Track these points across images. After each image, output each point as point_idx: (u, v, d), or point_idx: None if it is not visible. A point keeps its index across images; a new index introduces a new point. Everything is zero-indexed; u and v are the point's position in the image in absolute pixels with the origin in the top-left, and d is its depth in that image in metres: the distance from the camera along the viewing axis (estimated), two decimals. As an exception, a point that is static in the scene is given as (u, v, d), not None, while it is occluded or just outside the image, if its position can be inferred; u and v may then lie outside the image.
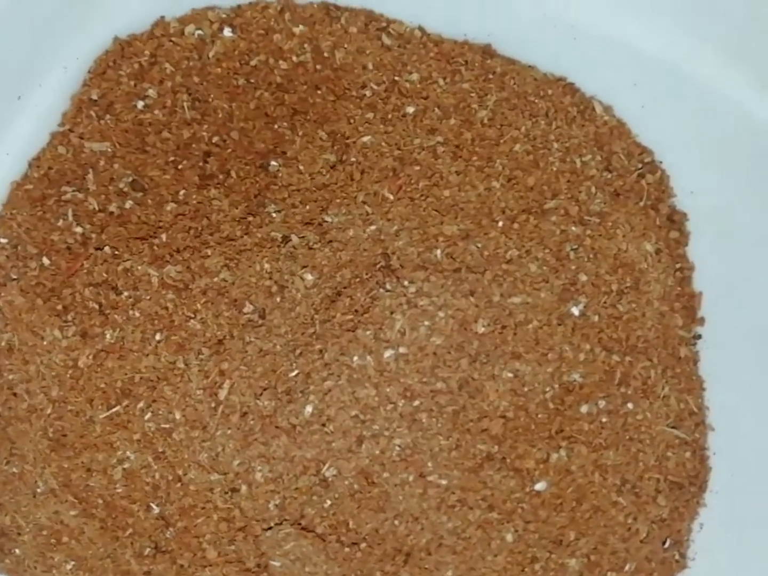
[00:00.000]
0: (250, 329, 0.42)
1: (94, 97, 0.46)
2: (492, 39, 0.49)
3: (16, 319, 0.43)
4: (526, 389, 0.43)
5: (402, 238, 0.43)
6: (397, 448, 0.41)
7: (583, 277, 0.45)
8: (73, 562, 0.43)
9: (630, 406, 0.45)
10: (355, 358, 0.41)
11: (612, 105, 0.50)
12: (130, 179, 0.46)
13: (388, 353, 0.41)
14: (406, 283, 0.41)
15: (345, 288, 0.42)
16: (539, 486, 0.43)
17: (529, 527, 0.42)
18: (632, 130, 0.50)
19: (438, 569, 0.41)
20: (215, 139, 0.47)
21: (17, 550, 0.44)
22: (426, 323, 0.41)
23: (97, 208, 0.46)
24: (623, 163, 0.49)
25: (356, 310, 0.42)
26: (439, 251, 0.42)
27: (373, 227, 0.43)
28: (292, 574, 0.41)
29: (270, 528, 0.41)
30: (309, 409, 0.41)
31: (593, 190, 0.47)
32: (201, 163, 0.47)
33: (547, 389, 0.44)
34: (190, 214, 0.46)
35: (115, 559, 0.43)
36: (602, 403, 0.44)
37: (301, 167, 0.46)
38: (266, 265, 0.42)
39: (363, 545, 0.41)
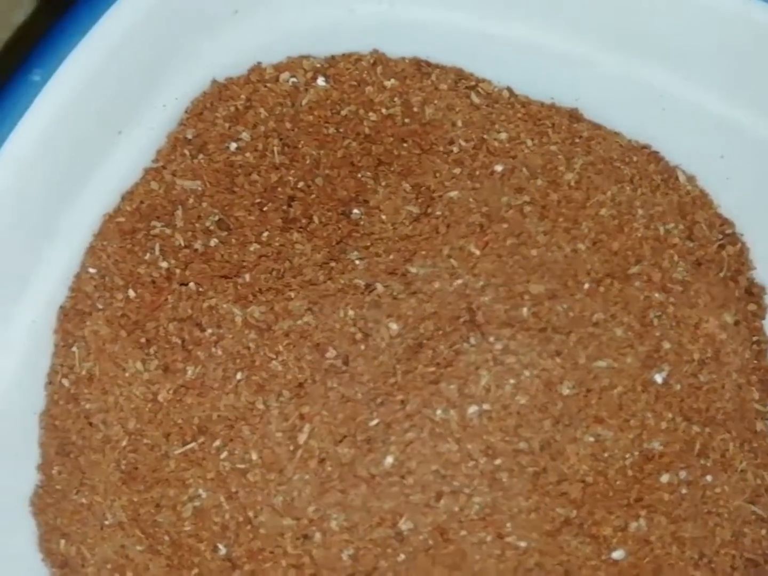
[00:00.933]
0: (332, 375, 0.41)
1: (189, 137, 0.46)
2: (579, 104, 0.50)
3: (100, 349, 0.43)
4: (606, 455, 0.42)
5: (488, 294, 0.42)
6: (476, 506, 0.40)
7: (667, 345, 0.45)
8: (136, 600, 0.42)
9: (709, 478, 0.44)
10: (438, 411, 0.40)
11: (696, 175, 0.50)
12: (217, 218, 0.47)
13: (471, 409, 0.40)
14: (491, 339, 0.41)
15: (428, 340, 0.42)
16: (616, 554, 0.42)
17: (605, 597, 0.41)
18: (714, 201, 0.50)
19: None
20: (300, 184, 0.47)
21: (80, 582, 0.43)
22: (511, 381, 0.40)
23: (183, 244, 0.46)
24: (705, 233, 0.49)
25: (439, 363, 0.41)
26: (525, 309, 0.42)
27: (459, 281, 0.43)
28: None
29: (342, 578, 0.40)
30: (389, 460, 0.40)
31: (675, 258, 0.47)
32: (285, 207, 0.47)
33: (627, 456, 0.43)
34: (272, 256, 0.46)
35: (178, 600, 0.42)
36: (683, 474, 0.43)
37: (384, 217, 0.46)
38: (350, 312, 0.42)
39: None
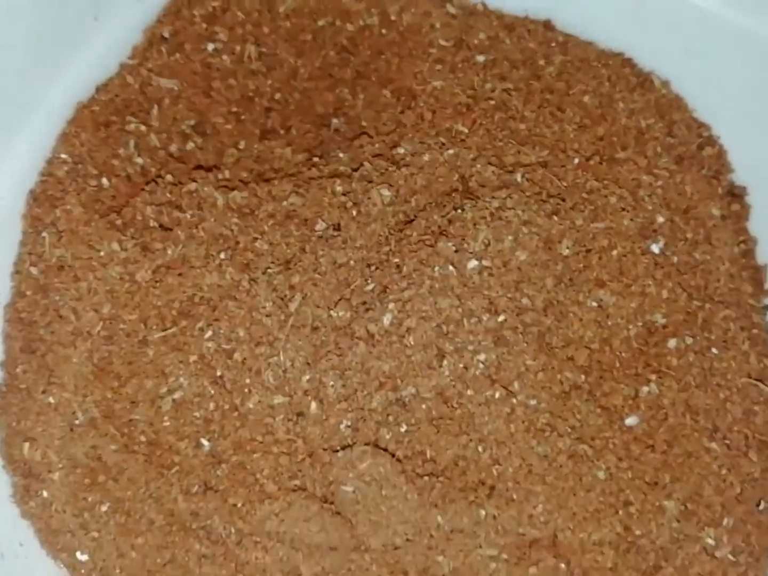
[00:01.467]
0: (323, 243, 0.39)
1: (166, 35, 0.46)
2: (551, 15, 0.50)
3: (72, 231, 0.40)
4: (610, 323, 0.40)
5: (479, 163, 0.41)
6: (481, 365, 0.38)
7: (660, 219, 0.44)
8: (108, 503, 0.38)
9: (714, 351, 0.42)
10: (436, 268, 0.38)
11: (670, 80, 0.50)
12: (193, 122, 0.45)
13: (471, 264, 0.38)
14: (487, 199, 0.40)
15: (421, 211, 0.40)
16: (630, 421, 0.39)
17: (621, 465, 0.38)
18: (690, 105, 0.50)
19: (527, 500, 0.37)
20: (278, 96, 0.47)
21: (45, 492, 0.39)
22: (510, 237, 0.39)
23: (158, 145, 0.44)
24: (684, 132, 0.49)
25: (433, 231, 0.40)
26: (519, 175, 0.41)
27: (450, 152, 0.42)
28: (366, 500, 0.36)
29: (342, 449, 0.37)
30: (388, 318, 0.37)
31: (659, 149, 0.47)
32: (263, 119, 0.46)
33: (631, 327, 0.41)
34: (252, 159, 0.44)
35: (158, 498, 0.38)
36: (689, 340, 0.41)
37: (365, 123, 0.45)
38: (338, 188, 0.41)
39: (442, 478, 0.37)
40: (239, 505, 0.37)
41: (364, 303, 0.38)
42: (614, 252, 0.41)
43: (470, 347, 0.38)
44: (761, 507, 0.42)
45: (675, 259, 0.43)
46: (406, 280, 0.38)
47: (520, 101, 0.44)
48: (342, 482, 0.36)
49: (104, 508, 0.38)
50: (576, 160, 0.43)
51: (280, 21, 0.48)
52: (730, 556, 0.40)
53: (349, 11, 0.49)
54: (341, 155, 0.44)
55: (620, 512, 0.38)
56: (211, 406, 0.38)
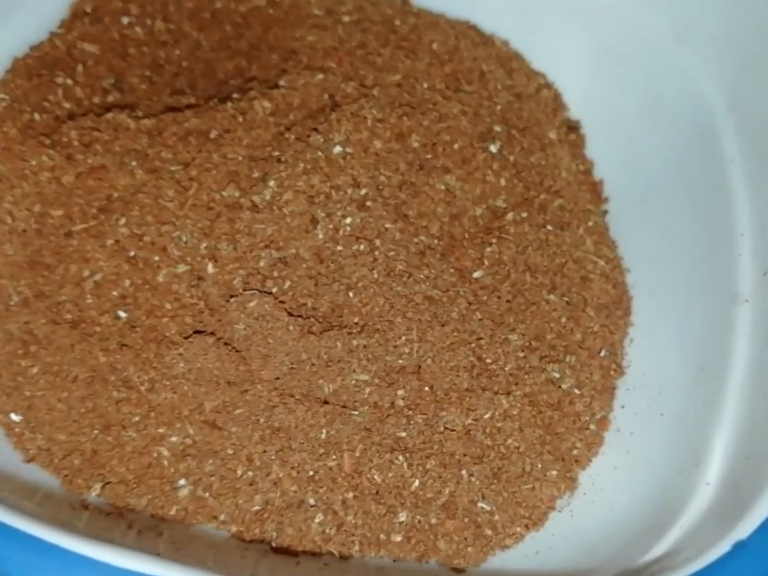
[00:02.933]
0: (216, 144, 0.47)
1: (88, 10, 0.55)
2: (409, -3, 0.61)
3: (8, 149, 0.47)
4: (458, 204, 0.49)
5: (344, 84, 0.50)
6: (348, 227, 0.45)
7: (497, 128, 0.53)
8: (39, 367, 0.44)
9: (550, 227, 0.51)
10: (308, 155, 0.46)
11: (509, 40, 0.61)
12: (112, 80, 0.54)
13: (336, 149, 0.46)
14: (346, 108, 0.48)
15: (297, 122, 0.49)
16: (477, 274, 0.47)
17: (471, 308, 0.46)
18: (527, 60, 0.61)
19: (392, 331, 0.44)
20: (184, 64, 0.56)
21: (-18, 363, 0.44)
22: (366, 130, 0.47)
23: (82, 97, 0.52)
24: (522, 78, 0.59)
25: (308, 135, 0.48)
26: (376, 90, 0.50)
27: (320, 76, 0.50)
28: (256, 336, 0.43)
29: (235, 296, 0.43)
30: (269, 192, 0.45)
31: (499, 87, 0.57)
32: (172, 82, 0.55)
33: (477, 208, 0.49)
34: (162, 107, 0.53)
35: (81, 359, 0.44)
36: (524, 214, 0.50)
37: (257, 82, 0.54)
38: (229, 104, 0.49)
39: (321, 319, 0.44)
40: (151, 356, 0.43)
41: (252, 186, 0.46)
42: (456, 146, 0.50)
43: (338, 213, 0.45)
44: (602, 354, 0.49)
45: (511, 158, 0.52)
46: (283, 164, 0.46)
47: (378, 44, 0.54)
48: (235, 322, 0.43)
49: (35, 371, 0.44)
50: (425, 85, 0.52)
51: (183, 1, 0.57)
52: (576, 390, 0.47)
53: (241, -6, 0.59)
54: (234, 95, 0.52)
55: (472, 344, 0.45)
56: (127, 282, 0.45)
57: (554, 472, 0.45)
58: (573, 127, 0.59)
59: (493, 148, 0.51)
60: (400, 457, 0.43)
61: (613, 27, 0.57)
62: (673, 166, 0.54)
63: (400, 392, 0.43)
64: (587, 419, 0.46)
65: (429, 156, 0.49)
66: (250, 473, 0.42)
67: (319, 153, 0.46)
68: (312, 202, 0.45)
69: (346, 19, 0.56)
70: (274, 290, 0.44)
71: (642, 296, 0.52)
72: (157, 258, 0.45)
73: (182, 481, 0.43)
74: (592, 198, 0.56)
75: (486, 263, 0.47)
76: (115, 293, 0.45)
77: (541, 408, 0.45)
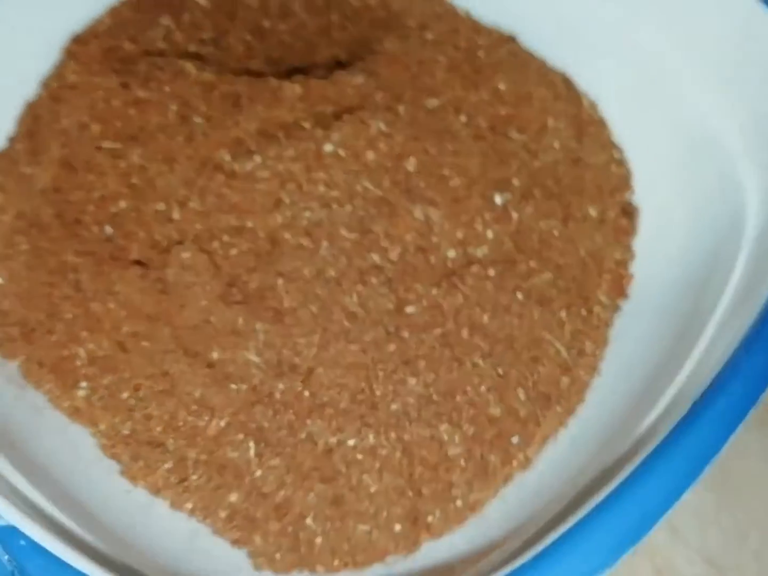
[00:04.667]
0: (236, 110, 0.51)
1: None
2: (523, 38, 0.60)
3: (87, 63, 0.55)
4: (432, 238, 0.48)
5: (380, 92, 0.51)
6: (306, 220, 0.47)
7: (516, 182, 0.51)
8: (28, 245, 0.51)
9: (520, 296, 0.49)
10: (302, 144, 0.48)
11: (598, 104, 0.58)
12: (213, 35, 0.59)
13: (328, 147, 0.48)
14: (364, 111, 0.50)
15: (320, 113, 0.51)
16: (409, 309, 0.46)
17: (387, 338, 0.45)
18: (610, 129, 0.57)
19: (298, 327, 0.45)
20: (286, 39, 0.60)
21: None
22: (365, 139, 0.48)
23: (179, 41, 0.58)
24: (593, 146, 0.56)
25: (314, 127, 0.50)
26: (402, 107, 0.51)
27: (360, 79, 0.52)
28: (178, 284, 0.46)
29: (181, 243, 0.47)
30: (250, 165, 0.48)
31: (556, 146, 0.54)
32: (269, 51, 0.59)
33: (450, 251, 0.48)
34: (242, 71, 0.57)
35: (59, 251, 0.50)
36: (492, 272, 0.48)
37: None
38: (271, 79, 0.52)
39: (242, 294, 0.46)
40: (104, 271, 0.48)
41: (242, 153, 0.49)
42: (452, 182, 0.49)
43: (301, 205, 0.47)
44: (514, 440, 0.47)
45: (515, 216, 0.50)
46: (275, 145, 0.49)
47: (442, 67, 0.54)
48: (169, 266, 0.47)
49: (23, 247, 0.51)
50: (464, 118, 0.52)
51: (300, -14, 0.61)
52: (461, 461, 0.45)
53: (358, -11, 0.61)
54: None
55: (369, 372, 0.45)
56: (122, 204, 0.50)
57: (398, 527, 0.44)
58: (629, 212, 0.56)
59: (498, 200, 0.50)
60: (252, 443, 0.44)
61: (698, 132, 0.53)
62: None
63: (281, 386, 0.45)
64: (458, 494, 0.44)
65: (421, 184, 0.48)
66: (131, 401, 0.46)
67: (312, 145, 0.48)
68: (283, 187, 0.47)
69: (429, 36, 0.57)
70: (217, 251, 0.47)
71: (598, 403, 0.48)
72: (148, 191, 0.50)
73: (83, 383, 0.47)
74: (609, 289, 0.53)
75: (424, 303, 0.46)
76: (111, 209, 0.51)
77: (414, 461, 0.44)
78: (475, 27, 0.59)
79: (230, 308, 0.45)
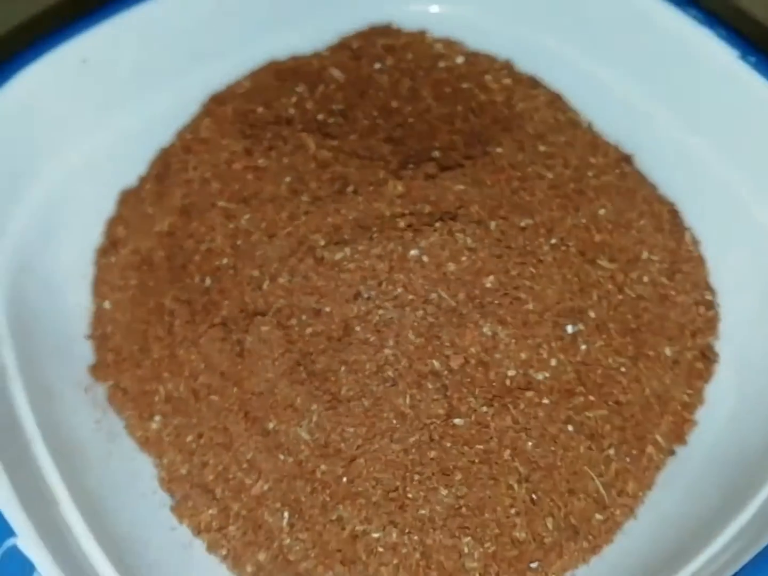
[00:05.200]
0: (339, 198, 0.55)
1: (354, 47, 0.64)
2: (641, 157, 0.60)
3: (219, 123, 0.60)
4: (495, 355, 0.50)
5: (477, 200, 0.54)
6: (378, 317, 0.50)
7: (592, 314, 0.52)
8: (136, 280, 0.57)
9: (570, 428, 0.50)
10: (390, 244, 0.51)
11: (702, 241, 0.58)
12: (342, 107, 0.63)
13: (413, 251, 0.51)
14: (458, 222, 0.52)
15: (417, 214, 0.54)
16: (457, 421, 0.49)
17: (429, 444, 0.48)
18: (709, 269, 0.57)
19: (349, 417, 0.48)
20: (410, 120, 0.63)
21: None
22: (449, 250, 0.51)
23: (310, 109, 0.62)
24: (685, 285, 0.56)
25: (406, 229, 0.53)
26: (494, 223, 0.53)
27: (461, 186, 0.54)
28: (253, 352, 0.50)
29: (264, 315, 0.51)
30: (339, 255, 0.51)
31: (645, 279, 0.55)
32: (391, 131, 0.63)
33: (511, 371, 0.50)
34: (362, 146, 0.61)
35: (160, 291, 0.56)
36: (546, 401, 0.49)
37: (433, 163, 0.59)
38: (381, 172, 0.56)
39: (307, 373, 0.50)
40: (192, 320, 0.54)
41: (335, 242, 0.53)
42: (526, 306, 0.51)
43: (377, 302, 0.50)
44: (533, 565, 0.48)
45: (582, 348, 0.51)
46: (366, 241, 0.52)
47: (544, 184, 0.56)
48: (249, 333, 0.51)
49: (132, 282, 0.57)
50: (554, 240, 0.54)
51: (434, 72, 0.64)
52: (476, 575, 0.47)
53: (486, 86, 0.64)
54: (410, 165, 0.58)
55: (405, 473, 0.47)
56: (224, 261, 0.55)
57: None
58: (708, 357, 0.55)
59: (569, 329, 0.51)
60: (287, 513, 0.48)
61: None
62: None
63: (323, 467, 0.48)
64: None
65: (495, 301, 0.50)
66: (193, 445, 0.51)
67: (399, 248, 0.51)
68: (364, 281, 0.51)
69: (542, 148, 0.58)
70: (293, 327, 0.51)
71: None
72: (248, 255, 0.55)
73: (158, 417, 0.53)
74: (668, 432, 0.53)
75: (473, 418, 0.48)
76: (214, 263, 0.56)
77: (431, 565, 0.47)
78: (593, 142, 0.60)
79: (293, 385, 0.49)
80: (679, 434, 0.53)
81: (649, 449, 0.52)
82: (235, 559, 0.48)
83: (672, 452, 0.53)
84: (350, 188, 0.55)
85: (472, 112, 0.63)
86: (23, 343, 0.49)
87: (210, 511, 0.49)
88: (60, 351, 0.51)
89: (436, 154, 0.60)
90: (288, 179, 0.57)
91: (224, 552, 0.49)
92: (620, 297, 0.53)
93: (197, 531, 0.49)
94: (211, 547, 0.49)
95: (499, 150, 0.58)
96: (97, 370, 0.55)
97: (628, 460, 0.51)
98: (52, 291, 0.52)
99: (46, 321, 0.51)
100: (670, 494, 0.51)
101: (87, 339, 0.56)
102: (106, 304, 0.57)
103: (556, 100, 0.62)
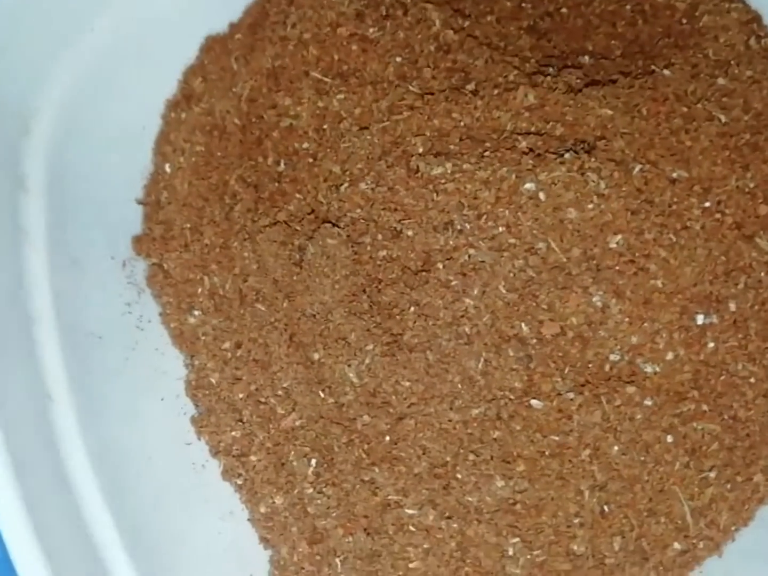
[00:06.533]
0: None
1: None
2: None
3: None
4: (601, 331, 0.40)
5: (623, 130, 0.43)
6: (467, 257, 0.41)
7: (732, 306, 0.42)
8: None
9: (669, 438, 0.41)
10: (503, 169, 0.41)
11: None
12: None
13: (529, 184, 0.40)
14: (593, 158, 0.41)
15: (547, 132, 0.43)
16: (535, 402, 0.40)
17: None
18: None
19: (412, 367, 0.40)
20: (564, 10, 0.50)
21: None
22: (575, 193, 0.40)
23: None
24: None
25: (526, 152, 0.42)
26: (638, 168, 0.42)
27: (606, 112, 0.43)
28: (317, 266, 0.42)
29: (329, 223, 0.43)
30: (437, 170, 0.41)
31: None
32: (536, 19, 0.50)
33: (616, 354, 0.41)
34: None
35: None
36: (649, 402, 0.40)
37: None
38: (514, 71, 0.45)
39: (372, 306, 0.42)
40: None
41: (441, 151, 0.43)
42: (654, 282, 0.40)
43: (471, 237, 0.41)
44: None
45: (710, 345, 0.41)
46: (476, 157, 0.42)
47: (715, 129, 0.43)
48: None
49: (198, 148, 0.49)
50: (708, 203, 0.42)
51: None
52: None
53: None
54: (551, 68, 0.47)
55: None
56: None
57: None
58: None
59: (700, 319, 0.41)
60: (314, 461, 0.41)
61: None
62: None
63: (366, 417, 0.41)
64: None
65: (617, 267, 0.40)
66: (228, 354, 0.45)
67: (512, 176, 0.41)
68: (461, 209, 0.41)
69: (721, 81, 0.46)
70: (366, 247, 0.43)
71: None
72: (333, 144, 0.45)
73: (197, 312, 0.46)
74: None
75: (555, 403, 0.40)
76: (294, 145, 0.47)
77: (466, 560, 0.40)
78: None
79: (350, 316, 0.41)
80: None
81: (758, 477, 0.43)
82: (250, 492, 0.43)
83: (785, 486, 0.43)
84: (470, 86, 0.45)
85: (642, 15, 0.50)
86: (58, 204, 0.41)
87: (233, 433, 0.43)
88: (100, 217, 0.44)
89: (586, 60, 0.48)
90: (399, 59, 0.46)
91: (240, 482, 0.43)
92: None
93: (215, 451, 0.44)
94: (227, 473, 0.43)
95: (666, 72, 0.45)
96: (142, 243, 0.48)
97: (728, 486, 0.42)
98: (103, 147, 0.44)
99: (91, 181, 0.44)
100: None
101: (138, 204, 0.49)
102: (167, 167, 0.50)
103: (753, 21, 0.48)
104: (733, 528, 0.42)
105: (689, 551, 0.41)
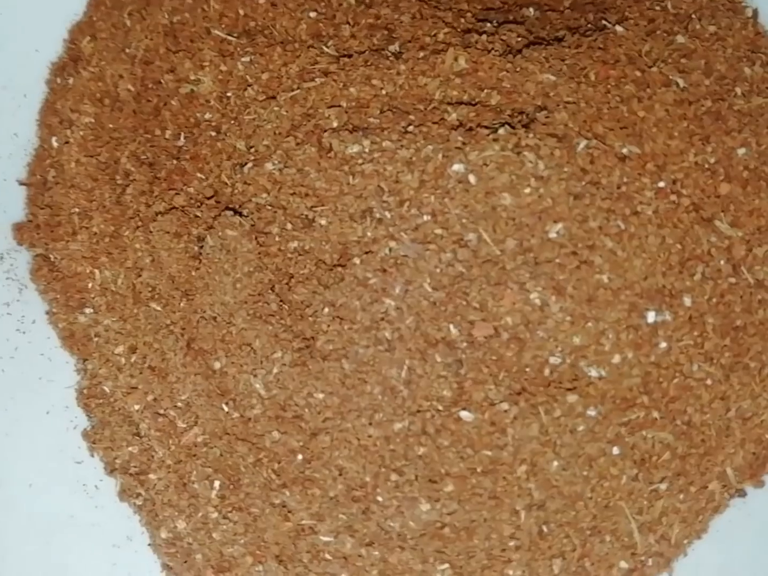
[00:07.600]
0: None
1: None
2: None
3: None
4: (539, 332, 0.36)
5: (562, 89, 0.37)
6: (387, 251, 0.35)
7: (688, 301, 0.37)
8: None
9: (615, 450, 0.36)
10: (425, 149, 0.35)
11: None
12: None
13: (457, 166, 0.35)
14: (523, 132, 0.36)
15: (481, 102, 0.38)
16: (465, 414, 0.36)
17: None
18: None
19: (325, 378, 0.35)
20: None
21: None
22: (508, 176, 0.35)
23: None
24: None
25: (454, 128, 0.36)
26: (582, 144, 0.36)
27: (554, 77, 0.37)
28: (218, 260, 0.37)
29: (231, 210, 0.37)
30: (353, 149, 0.36)
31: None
32: None
33: (556, 356, 0.36)
34: None
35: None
36: (593, 412, 0.36)
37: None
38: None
39: (281, 306, 0.36)
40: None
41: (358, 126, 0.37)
42: (599, 276, 0.35)
43: (392, 227, 0.35)
44: None
45: (662, 345, 0.37)
46: (397, 134, 0.36)
47: (672, 96, 0.38)
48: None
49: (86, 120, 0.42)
50: (663, 183, 0.37)
51: None
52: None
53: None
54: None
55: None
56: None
57: None
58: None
59: (651, 317, 0.36)
60: (218, 483, 0.37)
61: None
62: None
63: (276, 434, 0.36)
64: None
65: (557, 260, 0.35)
66: (122, 360, 0.39)
67: (439, 156, 0.35)
68: (380, 196, 0.36)
69: (681, 40, 0.40)
70: (273, 237, 0.37)
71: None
72: (237, 116, 0.40)
73: (88, 311, 0.41)
74: (743, 466, 0.40)
75: (486, 415, 0.35)
76: (195, 115, 0.42)
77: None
78: (754, 43, 0.42)
79: (255, 319, 0.36)
80: (756, 471, 0.40)
81: (713, 485, 0.39)
82: (150, 515, 0.38)
83: (741, 493, 0.40)
84: (393, 47, 0.39)
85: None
86: None
87: (130, 449, 0.38)
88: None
89: (531, 12, 0.43)
90: (313, 15, 0.41)
91: (139, 502, 0.38)
92: (732, 281, 0.38)
93: (111, 469, 0.38)
94: (125, 493, 0.39)
95: (619, 29, 0.40)
96: (25, 230, 0.42)
97: (681, 497, 0.38)
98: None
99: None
100: (723, 548, 0.39)
101: (21, 185, 0.43)
102: (54, 141, 0.43)
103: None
104: (685, 542, 0.38)
105: (636, 569, 0.37)
